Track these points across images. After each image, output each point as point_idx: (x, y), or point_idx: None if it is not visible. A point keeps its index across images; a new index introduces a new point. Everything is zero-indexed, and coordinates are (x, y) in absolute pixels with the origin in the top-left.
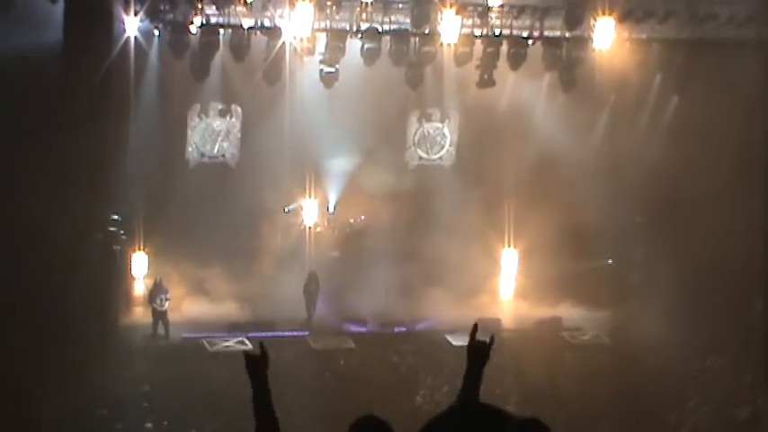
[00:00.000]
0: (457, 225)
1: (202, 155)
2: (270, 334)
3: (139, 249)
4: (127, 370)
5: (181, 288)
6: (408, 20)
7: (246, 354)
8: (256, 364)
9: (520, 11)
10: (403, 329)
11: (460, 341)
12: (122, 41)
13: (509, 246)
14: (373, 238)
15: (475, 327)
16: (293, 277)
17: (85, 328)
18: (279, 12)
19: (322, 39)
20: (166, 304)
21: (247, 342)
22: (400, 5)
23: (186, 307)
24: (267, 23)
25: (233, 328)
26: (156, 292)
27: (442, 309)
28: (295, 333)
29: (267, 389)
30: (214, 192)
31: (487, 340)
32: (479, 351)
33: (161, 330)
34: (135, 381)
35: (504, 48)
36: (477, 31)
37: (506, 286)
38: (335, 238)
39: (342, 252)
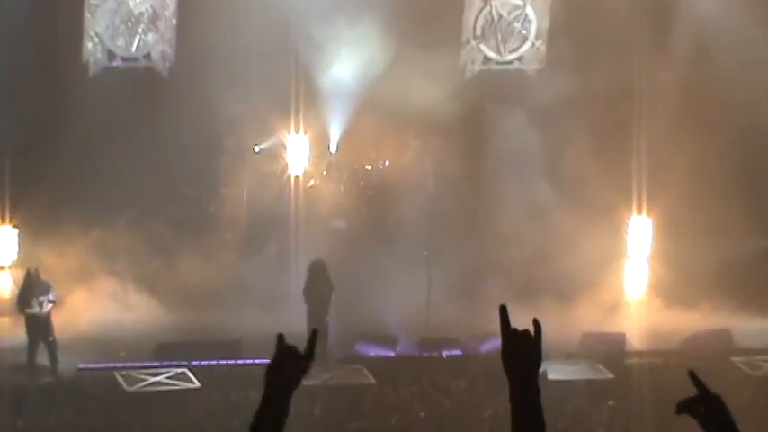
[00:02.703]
0: (548, 177)
1: (111, 56)
2: (231, 362)
3: (3, 222)
4: None
5: (75, 285)
6: None
7: (284, 344)
8: (294, 363)
9: None
10: (457, 353)
11: (559, 374)
12: None
13: (639, 213)
14: (404, 197)
15: None
16: (269, 265)
17: None
18: None
19: None
20: (48, 309)
21: (190, 375)
22: None
23: (84, 317)
24: None
25: (166, 352)
26: (29, 290)
27: (525, 316)
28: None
29: (286, 407)
30: (132, 119)
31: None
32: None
33: (42, 357)
34: None
35: None
36: None
37: (635, 278)
38: (340, 198)
39: (352, 221)
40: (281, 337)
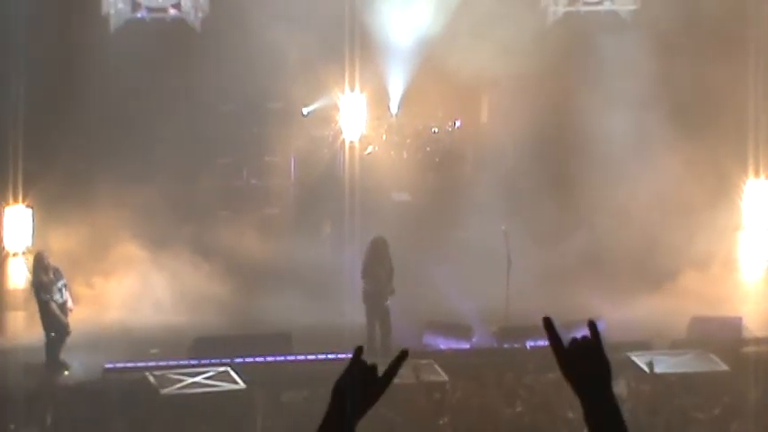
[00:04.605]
0: (645, 136)
1: (135, 6)
2: (280, 358)
3: (16, 201)
4: None
5: (98, 273)
6: None
7: (361, 360)
8: (368, 385)
9: None
10: (542, 344)
11: (664, 366)
12: None
13: (756, 176)
14: (477, 163)
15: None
16: (321, 245)
17: None
18: None
19: None
20: (67, 299)
21: (233, 374)
22: None
23: (110, 309)
24: None
25: (205, 348)
26: (42, 274)
27: (622, 301)
28: (332, 356)
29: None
30: (160, 80)
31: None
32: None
33: (60, 353)
34: None
35: None
36: None
37: (752, 252)
38: (403, 167)
39: (416, 193)
40: (359, 351)
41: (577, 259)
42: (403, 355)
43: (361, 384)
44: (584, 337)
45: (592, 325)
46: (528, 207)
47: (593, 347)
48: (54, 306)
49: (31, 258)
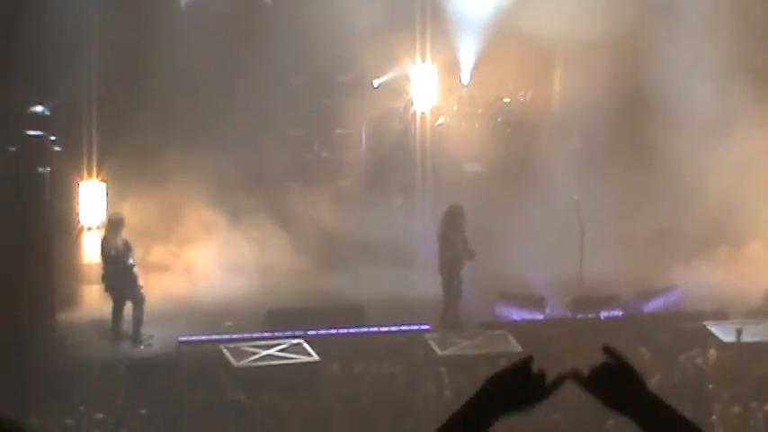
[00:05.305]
0: (726, 95)
1: None
2: (353, 330)
3: (90, 176)
4: (71, 411)
5: (171, 246)
6: None
7: (530, 368)
8: (525, 392)
9: None
10: (617, 314)
11: (731, 335)
12: None
13: None
14: (549, 133)
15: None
16: (393, 217)
17: None
18: None
19: None
20: (138, 273)
21: (307, 346)
22: None
23: (184, 282)
24: None
25: (278, 321)
26: (113, 242)
27: (697, 270)
28: (404, 328)
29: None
30: (231, 53)
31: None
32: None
33: (135, 327)
34: None
35: None
36: None
37: None
38: (474, 137)
39: (488, 163)
40: (529, 360)
41: (652, 228)
42: (562, 379)
43: (521, 388)
44: (605, 365)
45: (608, 350)
46: (601, 176)
47: (621, 370)
48: (126, 278)
49: (104, 232)
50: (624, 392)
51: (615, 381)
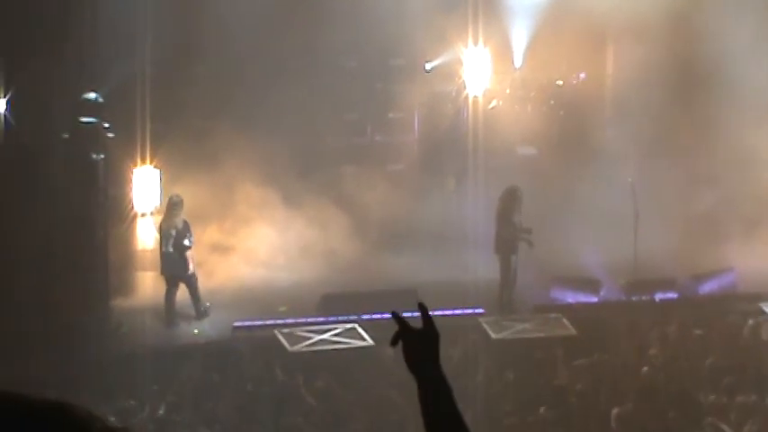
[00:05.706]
0: None
1: None
2: (408, 314)
3: (144, 162)
4: (125, 397)
5: (225, 231)
6: None
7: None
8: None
9: None
10: (672, 296)
11: None
12: None
13: None
14: (603, 116)
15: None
16: (446, 201)
17: (40, 311)
18: None
19: None
20: (189, 258)
21: (361, 331)
22: None
23: (238, 267)
24: None
25: (332, 305)
26: (172, 222)
27: (752, 252)
28: (458, 312)
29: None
30: (283, 36)
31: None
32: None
33: (190, 312)
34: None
35: None
36: None
37: None
38: (528, 120)
39: (541, 146)
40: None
41: (707, 210)
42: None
43: (405, 339)
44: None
45: (422, 306)
46: (656, 158)
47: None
48: (182, 259)
49: (159, 219)
50: (420, 352)
51: (417, 339)
